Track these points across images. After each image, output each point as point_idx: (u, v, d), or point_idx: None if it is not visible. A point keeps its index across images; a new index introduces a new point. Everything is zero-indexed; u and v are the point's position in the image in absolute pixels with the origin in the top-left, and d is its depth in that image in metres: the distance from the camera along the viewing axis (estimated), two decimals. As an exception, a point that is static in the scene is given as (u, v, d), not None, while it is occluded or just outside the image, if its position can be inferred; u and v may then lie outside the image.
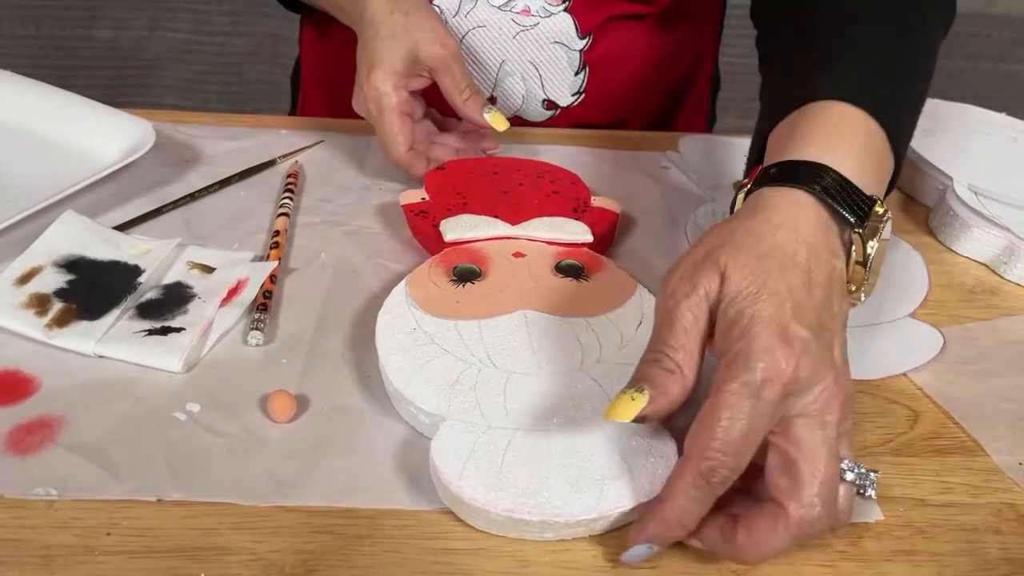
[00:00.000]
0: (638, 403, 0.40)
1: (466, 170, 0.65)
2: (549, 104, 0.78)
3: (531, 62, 0.75)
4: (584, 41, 0.75)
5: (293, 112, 0.92)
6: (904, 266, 0.63)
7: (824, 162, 0.46)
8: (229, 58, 1.77)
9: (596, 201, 0.62)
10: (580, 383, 0.47)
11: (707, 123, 0.91)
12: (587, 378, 0.47)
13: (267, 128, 0.73)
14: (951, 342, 0.56)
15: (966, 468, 0.47)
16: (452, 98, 0.65)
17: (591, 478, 0.41)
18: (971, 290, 0.62)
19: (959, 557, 0.42)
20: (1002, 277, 0.63)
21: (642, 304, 0.52)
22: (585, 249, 0.57)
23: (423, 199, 0.61)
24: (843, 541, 0.43)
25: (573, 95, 0.78)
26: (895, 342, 0.55)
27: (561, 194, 0.63)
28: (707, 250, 0.42)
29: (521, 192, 0.62)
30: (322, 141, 0.72)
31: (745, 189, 0.48)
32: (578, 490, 0.41)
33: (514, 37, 0.74)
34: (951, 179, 0.67)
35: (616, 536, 0.42)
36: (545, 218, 0.59)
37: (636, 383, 0.41)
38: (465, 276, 0.53)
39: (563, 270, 0.55)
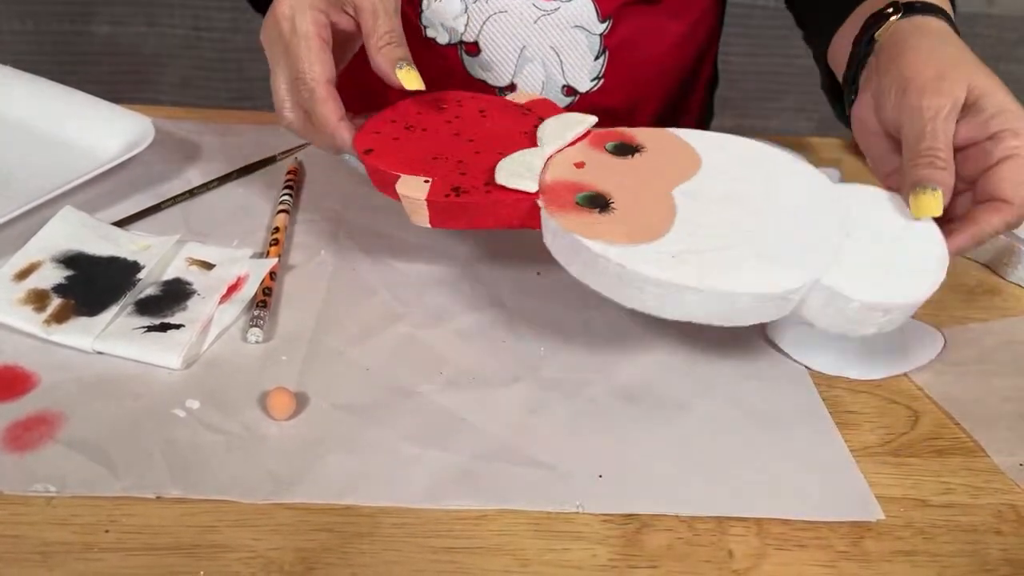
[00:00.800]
0: (939, 196, 0.49)
1: (393, 138, 0.55)
2: (569, 91, 0.77)
3: (552, 47, 0.75)
4: (604, 25, 0.75)
5: (293, 108, 0.91)
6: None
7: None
8: (229, 55, 1.76)
9: (518, 98, 0.60)
10: (805, 208, 0.51)
11: (705, 120, 0.91)
12: (802, 205, 0.51)
13: (267, 125, 0.73)
14: (952, 343, 0.56)
15: (967, 469, 0.47)
16: (367, 43, 0.56)
17: (919, 264, 0.49)
18: (972, 291, 0.62)
19: (959, 558, 0.42)
20: (1003, 278, 0.63)
21: (722, 144, 0.56)
22: (596, 130, 0.56)
23: (427, 181, 0.52)
24: (844, 541, 0.43)
25: (592, 80, 0.78)
26: (896, 342, 0.55)
27: (491, 110, 0.59)
28: (935, 70, 0.51)
29: (471, 127, 0.57)
30: (322, 138, 0.71)
31: (896, 16, 0.55)
32: (929, 273, 0.49)
33: (535, 22, 0.74)
34: (952, 179, 0.67)
35: (616, 537, 0.42)
36: (546, 126, 0.56)
37: (921, 183, 0.49)
38: (597, 202, 0.50)
39: (620, 151, 0.54)
